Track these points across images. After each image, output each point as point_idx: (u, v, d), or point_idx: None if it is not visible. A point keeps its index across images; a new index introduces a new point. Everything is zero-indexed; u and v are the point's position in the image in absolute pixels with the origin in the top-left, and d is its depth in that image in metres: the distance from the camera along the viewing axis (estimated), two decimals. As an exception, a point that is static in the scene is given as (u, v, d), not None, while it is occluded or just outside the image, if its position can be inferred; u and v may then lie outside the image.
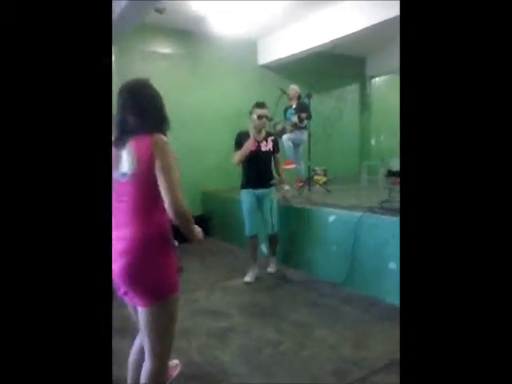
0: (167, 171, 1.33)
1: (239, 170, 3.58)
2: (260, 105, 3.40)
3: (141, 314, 1.42)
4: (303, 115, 4.84)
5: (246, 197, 3.53)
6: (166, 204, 1.33)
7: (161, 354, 1.45)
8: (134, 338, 1.69)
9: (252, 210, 3.53)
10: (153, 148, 1.34)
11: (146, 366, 1.46)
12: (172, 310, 1.45)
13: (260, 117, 3.36)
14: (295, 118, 4.85)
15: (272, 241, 3.71)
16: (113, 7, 3.74)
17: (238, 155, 3.39)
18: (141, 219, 1.38)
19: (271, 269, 3.77)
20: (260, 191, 3.52)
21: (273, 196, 3.57)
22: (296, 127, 4.90)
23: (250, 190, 3.52)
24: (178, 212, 1.34)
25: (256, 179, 3.51)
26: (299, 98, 5.14)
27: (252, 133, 3.37)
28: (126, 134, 1.40)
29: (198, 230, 1.54)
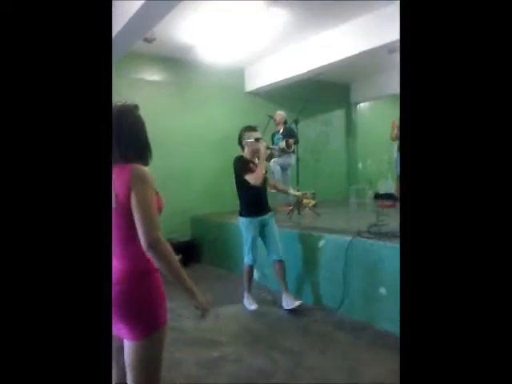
0: (143, 203, 1.26)
1: (227, 194, 3.53)
2: (253, 128, 3.34)
3: (128, 348, 1.35)
4: (291, 141, 4.93)
5: (249, 225, 3.34)
6: (141, 237, 1.25)
7: None
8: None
9: (256, 239, 3.36)
10: (130, 179, 1.27)
11: None
12: (160, 345, 1.38)
13: (257, 139, 3.29)
14: (283, 144, 4.93)
15: (281, 267, 3.40)
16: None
17: (258, 174, 3.17)
18: (126, 251, 1.33)
19: (293, 303, 3.31)
20: (262, 218, 3.36)
21: (274, 221, 3.47)
22: (284, 152, 4.97)
23: (253, 217, 3.33)
24: (152, 247, 1.24)
25: (258, 206, 3.38)
26: (285, 123, 5.25)
27: (251, 156, 3.31)
28: None
29: (202, 298, 1.40)
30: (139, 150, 1.39)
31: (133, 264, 1.33)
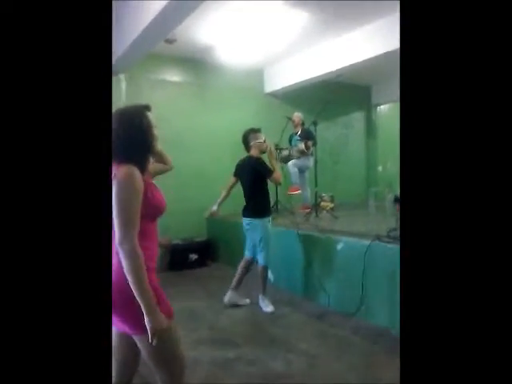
0: (117, 204, 1.26)
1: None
2: (259, 130, 3.50)
3: (138, 343, 1.38)
4: (309, 143, 4.88)
5: (265, 225, 3.42)
6: (115, 240, 1.27)
7: (170, 381, 1.42)
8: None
9: (270, 239, 3.48)
10: (113, 179, 1.28)
11: None
12: (169, 336, 1.38)
13: (264, 141, 3.48)
14: (302, 146, 4.88)
15: (265, 271, 3.53)
16: (125, 38, 3.86)
17: (279, 174, 3.44)
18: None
19: (269, 307, 3.48)
20: (269, 218, 3.50)
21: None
22: (303, 154, 4.93)
23: (267, 217, 3.46)
24: (120, 247, 1.25)
25: (270, 206, 3.55)
26: (303, 124, 5.21)
27: (259, 155, 3.45)
28: None
29: (157, 318, 1.29)
30: (132, 151, 1.37)
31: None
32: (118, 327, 1.42)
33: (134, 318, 1.31)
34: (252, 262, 3.59)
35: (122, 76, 4.93)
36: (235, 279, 3.60)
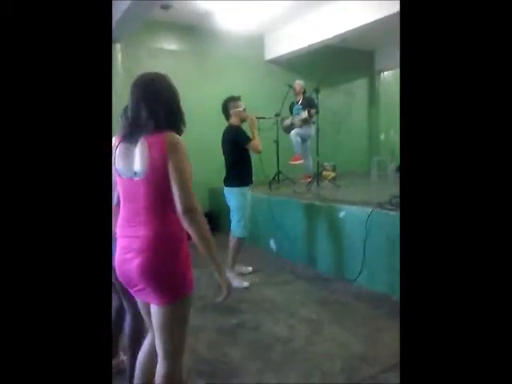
0: (180, 171, 1.29)
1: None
2: (238, 98, 3.40)
3: (156, 313, 1.39)
4: (312, 111, 4.79)
5: (245, 195, 3.35)
6: (177, 204, 1.28)
7: (174, 355, 1.42)
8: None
9: (248, 209, 3.41)
10: (167, 147, 1.29)
11: (159, 368, 1.43)
12: (187, 310, 1.43)
13: (244, 109, 3.39)
14: (305, 114, 4.79)
15: (238, 244, 3.43)
16: (118, 5, 3.73)
17: (259, 142, 3.32)
18: (156, 218, 1.34)
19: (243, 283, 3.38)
20: (249, 187, 3.42)
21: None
22: (306, 123, 4.85)
23: (247, 186, 3.37)
24: (189, 214, 1.28)
25: (250, 175, 3.44)
26: (304, 92, 5.10)
27: (239, 124, 3.37)
28: (138, 130, 1.34)
29: (226, 281, 1.42)
30: (174, 118, 1.39)
31: (162, 231, 1.34)
32: (144, 299, 1.45)
33: (167, 287, 1.35)
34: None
35: (117, 45, 4.80)
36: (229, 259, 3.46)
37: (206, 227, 1.33)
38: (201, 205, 1.34)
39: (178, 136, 1.34)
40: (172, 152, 1.29)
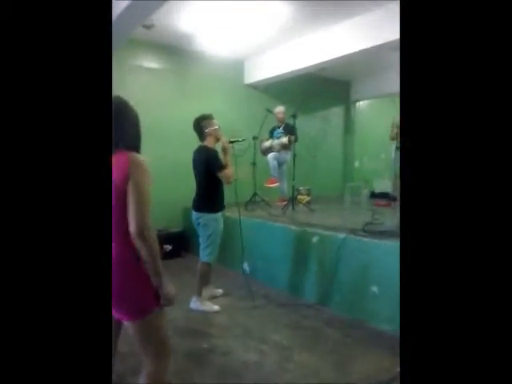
0: (138, 191, 1.32)
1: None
2: (212, 116, 3.21)
3: (129, 328, 1.43)
4: (293, 137, 4.88)
5: (218, 221, 3.19)
6: (130, 223, 1.31)
7: (157, 366, 1.48)
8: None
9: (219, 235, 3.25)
10: (129, 166, 1.33)
11: (143, 380, 1.48)
12: (157, 324, 1.46)
13: (218, 128, 3.20)
14: (285, 140, 4.84)
15: (206, 269, 3.29)
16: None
17: (231, 173, 3.10)
18: (117, 237, 1.36)
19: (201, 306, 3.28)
20: (222, 213, 3.28)
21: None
22: (285, 148, 4.91)
23: (219, 212, 3.22)
24: (141, 234, 1.31)
25: (222, 200, 3.26)
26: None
27: (213, 145, 3.19)
28: None
29: (170, 289, 1.44)
30: (135, 138, 1.47)
31: (123, 250, 1.37)
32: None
33: (130, 306, 1.39)
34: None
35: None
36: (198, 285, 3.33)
37: (157, 248, 1.36)
38: (153, 227, 1.35)
39: (141, 157, 1.39)
40: (133, 171, 1.33)
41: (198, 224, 3.23)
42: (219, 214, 3.22)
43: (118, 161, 1.34)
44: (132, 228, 1.31)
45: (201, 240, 3.26)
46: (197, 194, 3.26)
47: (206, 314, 3.21)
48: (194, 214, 3.24)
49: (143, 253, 1.34)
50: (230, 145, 3.22)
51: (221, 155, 3.14)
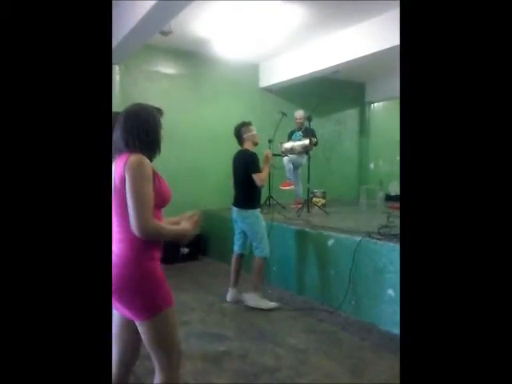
0: (134, 191, 1.35)
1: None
2: (250, 123, 3.51)
3: (139, 327, 1.44)
4: (314, 139, 4.87)
5: (260, 217, 3.48)
6: (132, 226, 1.35)
7: (168, 365, 1.48)
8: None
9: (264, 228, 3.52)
10: (124, 167, 1.37)
11: (156, 379, 1.49)
12: (168, 324, 1.46)
13: (255, 134, 3.51)
14: (307, 142, 4.81)
15: (260, 265, 3.55)
16: (120, 28, 3.82)
17: (265, 177, 3.42)
18: (124, 236, 1.40)
19: (264, 303, 3.46)
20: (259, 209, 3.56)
21: None
22: (305, 150, 4.86)
23: (259, 208, 3.53)
24: (144, 233, 1.35)
25: (259, 198, 3.57)
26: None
27: (253, 147, 3.48)
28: (114, 151, 1.45)
29: (179, 228, 1.52)
30: (145, 143, 1.47)
31: (129, 250, 1.40)
32: (122, 313, 1.48)
33: (139, 305, 1.39)
34: (242, 256, 3.61)
35: (116, 67, 4.87)
36: (232, 276, 3.60)
37: (164, 232, 1.43)
38: (156, 223, 1.39)
39: (140, 157, 1.40)
40: (128, 172, 1.36)
41: (239, 221, 3.50)
42: (257, 211, 3.48)
43: (119, 162, 1.40)
44: (134, 230, 1.34)
45: (251, 238, 3.50)
46: (238, 193, 3.55)
47: (222, 318, 3.24)
48: (235, 211, 3.51)
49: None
50: (272, 156, 3.60)
51: (261, 162, 3.45)
